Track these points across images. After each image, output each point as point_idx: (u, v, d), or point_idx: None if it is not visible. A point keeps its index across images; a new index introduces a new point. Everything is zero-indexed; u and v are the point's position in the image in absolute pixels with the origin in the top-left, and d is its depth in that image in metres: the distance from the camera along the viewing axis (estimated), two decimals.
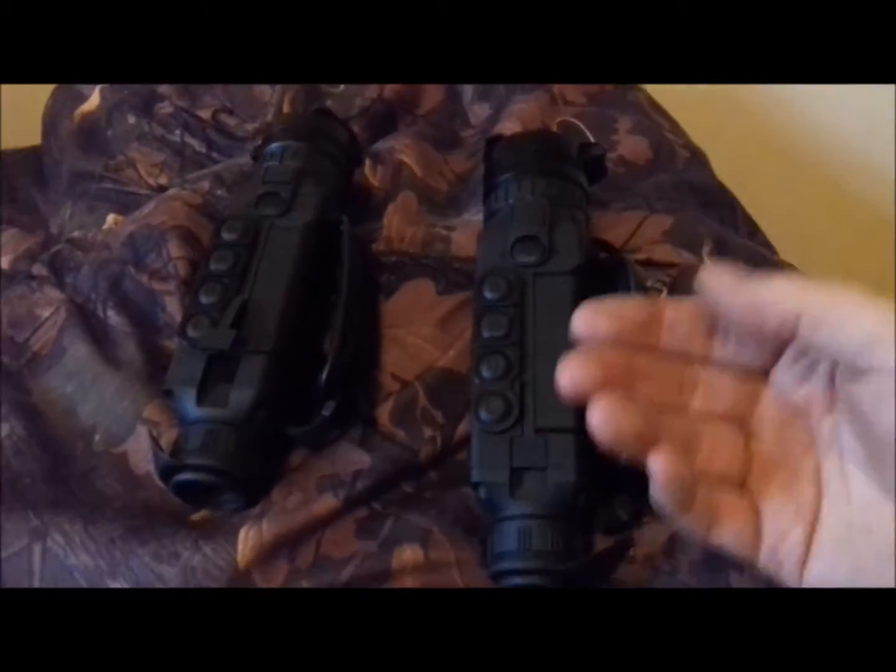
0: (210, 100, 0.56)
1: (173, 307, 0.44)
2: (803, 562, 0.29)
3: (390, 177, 0.51)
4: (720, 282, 0.30)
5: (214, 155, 0.54)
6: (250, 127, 0.54)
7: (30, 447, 0.41)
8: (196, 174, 0.52)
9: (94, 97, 0.57)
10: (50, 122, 0.58)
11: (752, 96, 0.77)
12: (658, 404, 0.30)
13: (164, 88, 0.56)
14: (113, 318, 0.45)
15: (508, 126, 0.51)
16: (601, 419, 0.28)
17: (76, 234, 0.51)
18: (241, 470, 0.37)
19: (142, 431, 0.41)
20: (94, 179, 0.54)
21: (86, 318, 0.45)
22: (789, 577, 0.29)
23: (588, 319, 0.31)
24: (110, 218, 0.51)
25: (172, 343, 0.44)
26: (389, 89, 0.56)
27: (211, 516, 0.38)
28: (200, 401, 0.38)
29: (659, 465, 0.28)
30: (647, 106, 0.56)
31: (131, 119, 0.55)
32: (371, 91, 0.56)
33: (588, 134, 0.52)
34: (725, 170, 0.57)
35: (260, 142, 0.49)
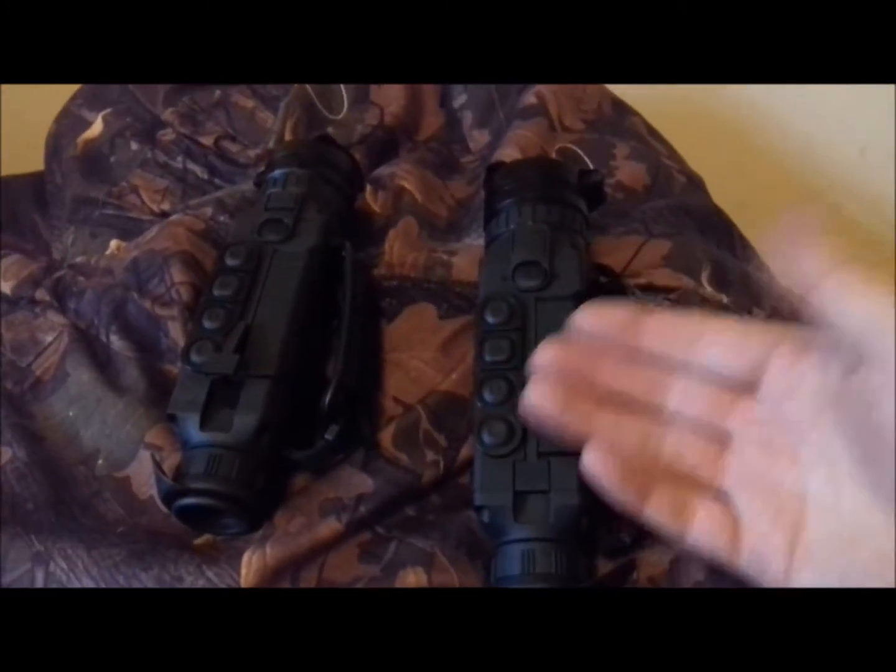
0: (212, 126, 0.56)
1: (176, 332, 0.45)
2: (786, 570, 0.29)
3: (391, 202, 0.52)
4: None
5: (217, 181, 0.55)
6: (252, 153, 0.55)
7: (32, 472, 0.41)
8: (199, 200, 0.52)
9: (97, 124, 0.57)
10: (53, 148, 0.58)
11: (747, 118, 0.78)
12: (621, 401, 0.32)
13: (166, 115, 0.56)
14: (116, 343, 0.45)
15: (508, 153, 0.51)
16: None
17: (79, 259, 0.52)
18: (245, 494, 0.37)
19: (144, 456, 0.41)
20: (97, 205, 0.54)
21: (89, 344, 0.46)
22: (773, 583, 0.29)
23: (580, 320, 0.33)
24: (113, 244, 0.52)
25: (175, 368, 0.44)
26: (390, 115, 0.57)
27: (214, 541, 0.38)
28: (204, 425, 0.38)
29: (585, 457, 0.30)
30: (644, 132, 0.57)
31: (134, 146, 0.56)
32: (372, 118, 0.57)
33: (587, 160, 0.52)
34: (721, 194, 0.57)
35: (262, 168, 0.49)
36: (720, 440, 0.31)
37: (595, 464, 0.30)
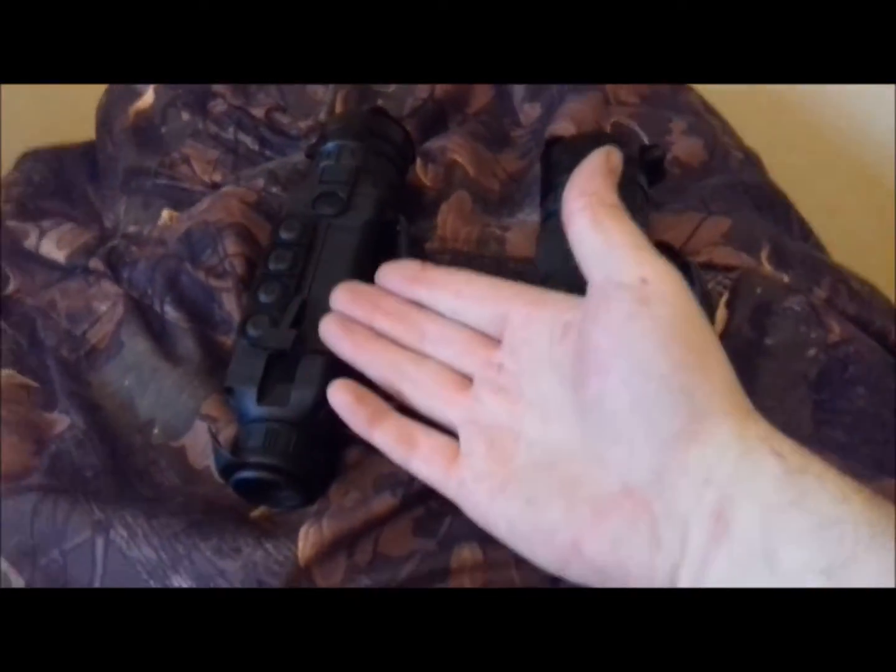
0: (263, 98, 0.56)
1: (230, 304, 0.45)
2: (489, 493, 0.33)
3: (443, 176, 0.51)
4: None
5: (267, 152, 0.55)
6: (303, 125, 0.54)
7: (90, 440, 0.41)
8: (250, 171, 0.52)
9: (148, 94, 0.57)
10: (104, 119, 0.58)
11: (801, 97, 0.77)
12: (386, 340, 0.38)
13: (217, 87, 0.56)
14: (170, 313, 0.45)
15: (562, 126, 0.51)
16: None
17: (131, 229, 0.52)
18: (302, 469, 0.37)
19: (200, 426, 0.41)
20: (148, 175, 0.54)
21: (143, 313, 0.46)
22: (475, 508, 0.34)
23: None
24: (165, 214, 0.52)
25: (229, 339, 0.44)
26: (440, 89, 0.56)
27: (270, 513, 0.39)
28: (261, 399, 0.38)
29: (329, 386, 0.37)
30: (700, 107, 0.56)
31: (185, 116, 0.56)
32: (422, 91, 0.56)
33: (643, 135, 0.51)
34: (775, 170, 0.56)
35: (313, 140, 0.49)
36: (461, 381, 0.36)
37: (333, 393, 0.37)
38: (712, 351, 0.30)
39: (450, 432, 0.36)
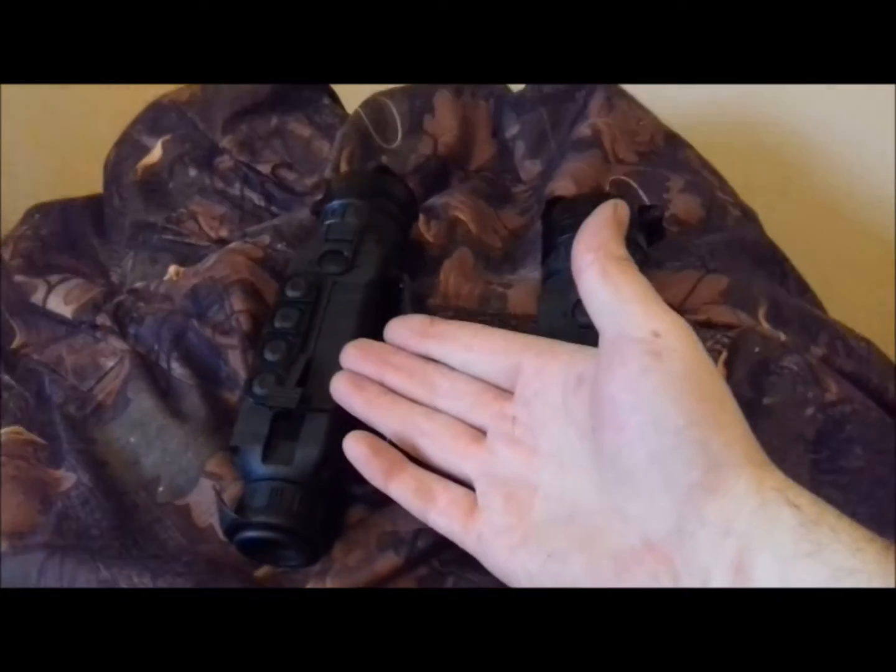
0: (269, 154, 0.57)
1: (235, 361, 0.45)
2: (509, 548, 0.33)
3: (445, 233, 0.52)
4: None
5: (273, 208, 0.56)
6: (309, 181, 0.56)
7: (96, 497, 0.42)
8: (256, 227, 0.53)
9: (156, 150, 0.58)
10: (112, 174, 0.60)
11: (796, 149, 0.78)
12: (397, 395, 0.38)
13: (225, 143, 0.57)
14: (177, 369, 0.46)
15: (564, 185, 0.52)
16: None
17: (138, 284, 0.53)
18: (306, 528, 0.37)
19: (205, 484, 0.41)
20: (155, 230, 0.55)
21: (149, 370, 0.46)
22: (494, 563, 0.34)
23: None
24: (172, 269, 0.52)
25: (234, 396, 0.45)
26: (443, 145, 0.58)
27: (274, 573, 0.39)
28: (266, 458, 0.38)
29: (345, 440, 0.37)
30: (697, 164, 0.57)
31: (192, 172, 0.57)
32: (425, 147, 0.57)
33: (642, 193, 0.52)
34: (769, 226, 0.57)
35: (318, 196, 0.50)
36: (475, 434, 0.36)
37: (349, 445, 0.37)
38: (726, 402, 0.31)
39: (466, 485, 0.36)
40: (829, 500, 0.37)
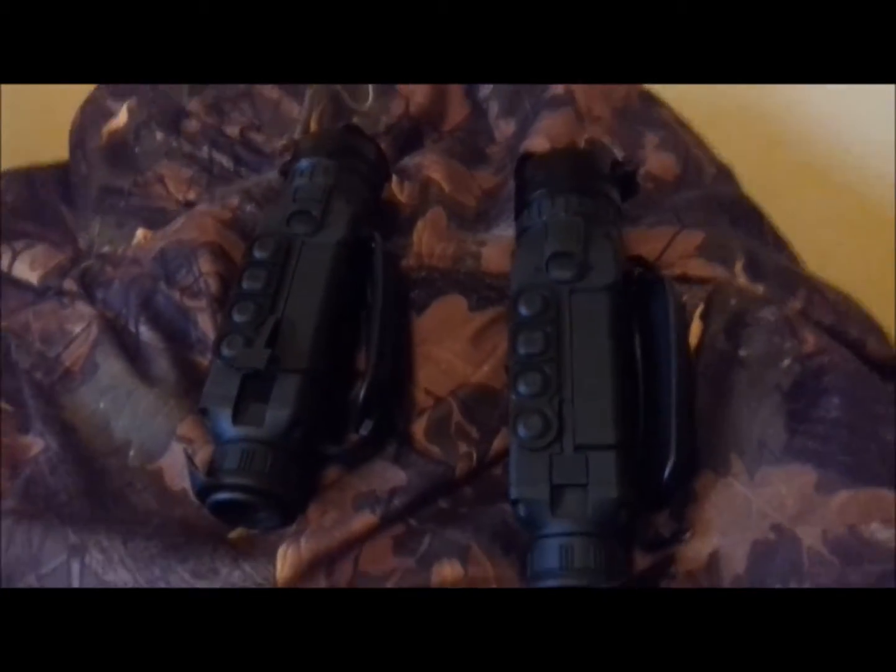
0: (238, 116, 0.56)
1: (205, 323, 0.44)
2: None
3: (418, 193, 0.51)
4: None
5: (242, 171, 0.55)
6: (278, 143, 0.55)
7: (65, 463, 0.41)
8: (225, 190, 0.52)
9: (121, 114, 0.57)
10: (78, 139, 0.58)
11: (776, 107, 0.77)
12: None
13: (192, 105, 0.56)
14: (145, 333, 0.45)
15: (536, 142, 0.51)
16: None
17: (106, 249, 0.52)
18: (278, 489, 0.37)
19: (176, 448, 0.41)
20: (122, 195, 0.54)
21: (117, 334, 0.45)
22: None
23: None
24: (139, 233, 0.51)
25: (205, 359, 0.44)
26: (415, 105, 0.57)
27: (248, 534, 0.38)
28: (236, 420, 0.38)
29: None
30: (672, 121, 0.56)
31: (159, 136, 0.56)
32: (397, 108, 0.56)
33: (615, 151, 0.52)
34: (748, 183, 0.57)
35: (288, 158, 0.49)
36: None
37: None
38: None
39: None
40: (805, 450, 0.37)
